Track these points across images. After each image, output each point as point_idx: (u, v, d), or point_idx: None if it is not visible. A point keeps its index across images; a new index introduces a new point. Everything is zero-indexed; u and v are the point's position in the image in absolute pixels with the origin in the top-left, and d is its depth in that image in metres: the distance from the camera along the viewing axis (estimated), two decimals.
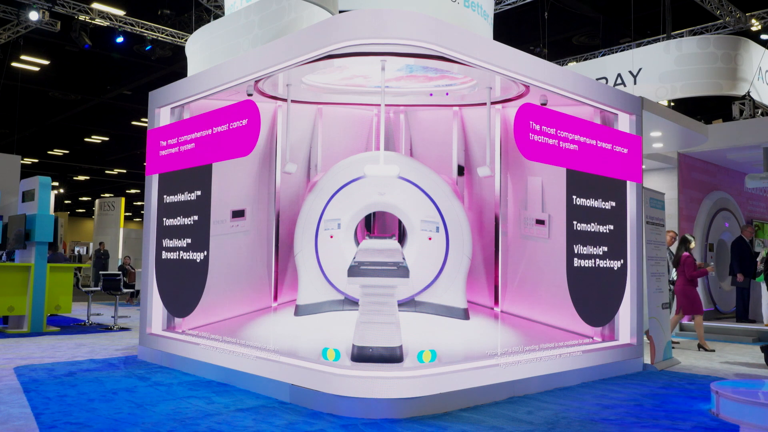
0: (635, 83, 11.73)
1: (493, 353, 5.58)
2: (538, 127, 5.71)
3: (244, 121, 5.83)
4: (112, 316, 10.51)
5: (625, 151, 6.71)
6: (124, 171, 32.32)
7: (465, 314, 6.85)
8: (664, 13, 13.43)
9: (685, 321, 10.58)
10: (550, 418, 4.54)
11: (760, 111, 12.18)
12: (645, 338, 7.06)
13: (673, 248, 9.18)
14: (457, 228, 6.83)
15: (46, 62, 17.65)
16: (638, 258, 6.77)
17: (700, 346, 8.52)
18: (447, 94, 7.10)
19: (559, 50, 17.24)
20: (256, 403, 4.85)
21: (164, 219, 6.94)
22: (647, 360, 6.92)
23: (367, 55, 5.30)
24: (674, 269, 8.99)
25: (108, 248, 19.87)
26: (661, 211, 7.86)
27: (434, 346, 5.02)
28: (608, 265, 6.60)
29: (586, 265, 6.49)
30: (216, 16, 13.79)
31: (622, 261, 6.72)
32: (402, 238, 6.81)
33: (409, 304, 6.83)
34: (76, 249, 28.59)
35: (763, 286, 10.18)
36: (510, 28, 15.03)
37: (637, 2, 13.90)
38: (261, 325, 6.72)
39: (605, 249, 6.59)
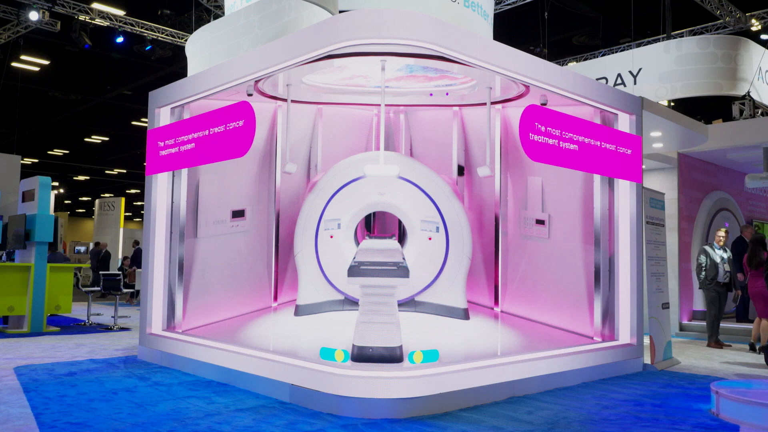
0: (635, 83, 11.72)
1: (493, 353, 5.58)
2: (542, 129, 5.69)
3: (240, 122, 5.83)
4: (112, 316, 10.51)
5: (629, 152, 6.72)
6: (124, 171, 32.31)
7: (465, 314, 6.85)
8: (664, 13, 13.42)
9: (684, 321, 10.58)
10: (550, 418, 4.54)
11: (760, 111, 12.17)
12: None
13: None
14: (457, 228, 6.83)
15: (46, 62, 17.65)
16: (638, 258, 6.77)
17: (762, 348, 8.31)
18: (447, 94, 7.10)
19: (559, 50, 17.24)
20: (256, 403, 4.85)
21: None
22: (647, 360, 6.92)
23: (367, 55, 5.30)
24: (717, 268, 8.92)
25: (109, 248, 19.80)
26: (661, 211, 7.87)
27: (434, 346, 5.02)
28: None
29: None
30: (216, 16, 13.79)
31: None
32: (402, 238, 6.81)
33: (409, 304, 6.84)
34: (77, 249, 28.57)
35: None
36: (510, 28, 15.03)
37: (637, 2, 13.90)
38: (261, 325, 6.73)
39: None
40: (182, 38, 15.59)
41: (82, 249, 28.02)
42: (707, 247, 9.13)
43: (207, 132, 6.21)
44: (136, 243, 18.70)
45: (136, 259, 17.39)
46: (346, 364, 4.72)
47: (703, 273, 8.97)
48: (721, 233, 9.25)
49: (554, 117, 5.83)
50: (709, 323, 8.97)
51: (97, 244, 19.23)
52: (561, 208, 7.14)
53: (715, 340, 8.89)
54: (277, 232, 7.55)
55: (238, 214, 7.26)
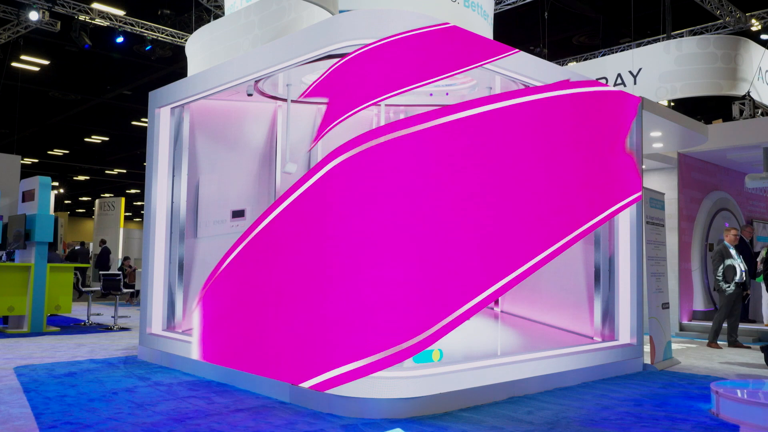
0: (635, 83, 11.73)
1: (493, 353, 5.58)
2: None
3: None
4: (112, 316, 10.52)
5: None
6: (124, 171, 32.33)
7: None
8: (664, 13, 13.43)
9: (684, 321, 10.58)
10: (550, 418, 4.54)
11: (760, 111, 12.18)
12: None
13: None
14: None
15: (46, 62, 17.66)
16: (638, 258, 6.77)
17: None
18: (447, 94, 7.10)
19: (559, 50, 17.24)
20: (256, 403, 4.85)
21: None
22: (647, 360, 6.92)
23: None
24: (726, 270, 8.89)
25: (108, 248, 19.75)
26: (661, 211, 7.86)
27: (435, 345, 5.01)
28: None
29: None
30: (216, 16, 13.79)
31: None
32: None
33: None
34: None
35: (763, 286, 10.18)
36: (510, 28, 15.03)
37: (637, 2, 13.90)
38: None
39: None
40: (182, 38, 15.60)
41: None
42: (733, 252, 8.92)
43: None
44: (103, 242, 18.56)
45: (102, 259, 17.15)
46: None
47: (737, 276, 8.82)
48: (736, 232, 9.16)
49: None
50: (719, 324, 8.79)
51: (82, 243, 19.17)
52: None
53: (733, 341, 8.74)
54: None
55: (238, 214, 7.26)
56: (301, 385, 4.71)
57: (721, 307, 8.87)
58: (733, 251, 8.91)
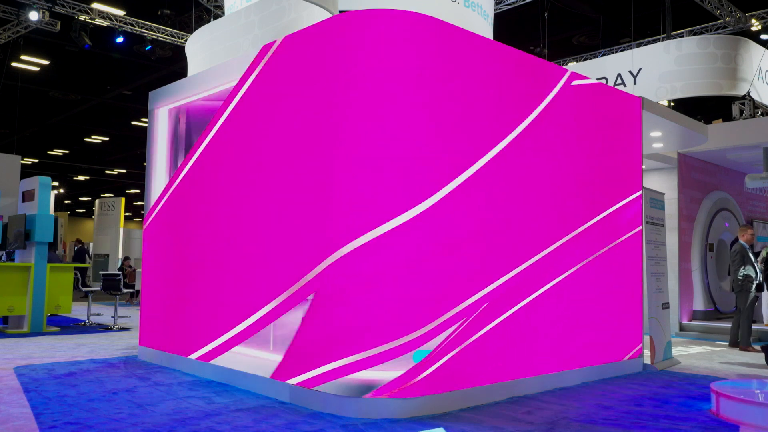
0: (635, 83, 11.73)
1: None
2: None
3: None
4: (112, 316, 10.52)
5: None
6: (124, 171, 32.33)
7: None
8: (664, 13, 13.43)
9: (684, 321, 10.58)
10: (550, 418, 4.54)
11: (760, 111, 12.18)
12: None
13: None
14: None
15: (46, 62, 17.66)
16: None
17: None
18: None
19: (559, 50, 17.24)
20: (256, 403, 4.85)
21: None
22: (647, 360, 6.92)
23: None
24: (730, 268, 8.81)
25: (109, 248, 19.75)
26: (661, 211, 7.86)
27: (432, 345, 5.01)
28: None
29: None
30: (216, 16, 13.79)
31: None
32: None
33: None
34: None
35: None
36: (510, 28, 15.03)
37: (637, 2, 13.91)
38: None
39: None
40: (182, 38, 15.60)
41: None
42: (750, 254, 8.89)
43: None
44: (79, 242, 18.59)
45: (79, 258, 17.23)
46: None
47: (758, 278, 8.75)
48: (753, 231, 9.11)
49: None
50: (745, 326, 8.64)
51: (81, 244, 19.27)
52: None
53: (749, 343, 8.63)
54: None
55: None
56: (287, 382, 4.71)
57: (744, 308, 8.72)
58: (750, 252, 8.88)
